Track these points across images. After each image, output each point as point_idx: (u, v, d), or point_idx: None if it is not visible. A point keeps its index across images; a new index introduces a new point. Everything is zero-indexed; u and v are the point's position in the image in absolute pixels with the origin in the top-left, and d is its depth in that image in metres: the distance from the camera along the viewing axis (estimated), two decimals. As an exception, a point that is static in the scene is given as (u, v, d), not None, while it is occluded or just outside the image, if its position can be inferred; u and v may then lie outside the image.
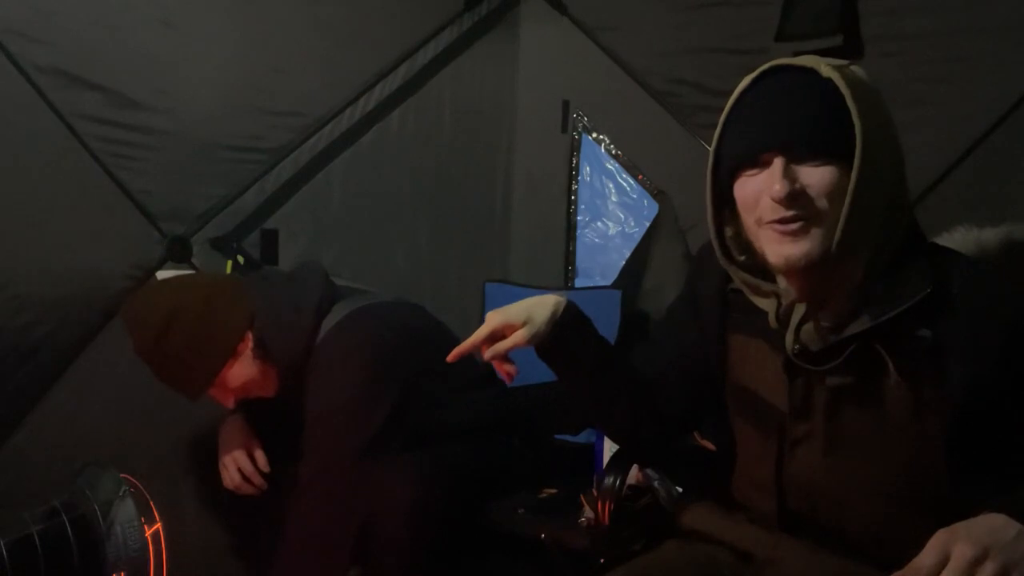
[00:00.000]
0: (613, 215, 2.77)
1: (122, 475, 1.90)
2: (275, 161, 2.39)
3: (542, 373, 2.44)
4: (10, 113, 2.01)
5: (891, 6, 2.10)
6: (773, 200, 1.15)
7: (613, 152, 2.74)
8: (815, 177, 1.14)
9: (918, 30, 2.06)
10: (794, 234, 1.15)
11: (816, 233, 1.14)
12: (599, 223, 2.80)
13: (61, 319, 2.12)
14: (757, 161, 1.17)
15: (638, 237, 2.65)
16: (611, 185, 2.76)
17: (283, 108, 2.39)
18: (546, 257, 2.87)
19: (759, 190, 1.17)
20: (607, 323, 2.36)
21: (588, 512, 1.82)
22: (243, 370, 1.84)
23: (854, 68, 1.19)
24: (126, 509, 1.84)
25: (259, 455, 1.96)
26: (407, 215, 2.72)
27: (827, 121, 1.14)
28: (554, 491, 1.98)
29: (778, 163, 1.15)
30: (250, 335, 1.83)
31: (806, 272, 1.17)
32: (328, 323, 1.88)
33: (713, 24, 2.39)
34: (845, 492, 1.22)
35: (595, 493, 1.78)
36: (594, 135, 2.77)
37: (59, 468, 2.05)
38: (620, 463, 1.63)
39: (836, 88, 1.14)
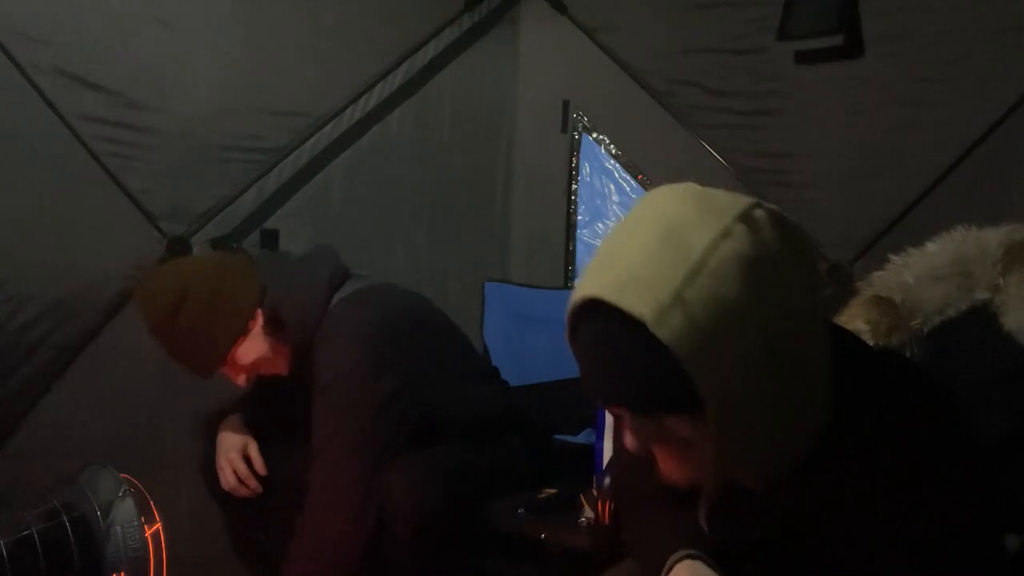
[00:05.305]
0: (613, 215, 2.77)
1: (122, 475, 1.89)
2: (275, 161, 2.39)
3: (542, 373, 2.46)
4: (10, 113, 2.01)
5: (891, 6, 2.10)
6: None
7: (613, 152, 2.74)
8: (668, 428, 0.98)
9: (918, 30, 2.06)
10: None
11: (696, 469, 1.03)
12: (599, 223, 2.80)
13: (61, 319, 2.12)
14: None
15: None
16: (611, 185, 2.76)
17: (283, 108, 2.39)
18: (546, 257, 2.86)
19: (619, 415, 1.04)
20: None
21: (588, 512, 1.82)
22: (254, 347, 1.85)
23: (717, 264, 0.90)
24: (126, 509, 1.84)
25: (255, 457, 1.95)
26: (407, 215, 2.72)
27: (660, 379, 0.92)
28: (554, 491, 1.98)
29: (624, 415, 1.01)
30: (260, 312, 1.84)
31: None
32: (339, 297, 1.90)
33: (713, 24, 2.39)
34: None
35: (595, 493, 1.79)
36: (594, 135, 2.76)
37: (59, 468, 2.05)
38: (613, 462, 1.63)
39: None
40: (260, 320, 1.84)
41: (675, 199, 0.95)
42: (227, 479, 1.94)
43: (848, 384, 1.02)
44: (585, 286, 0.95)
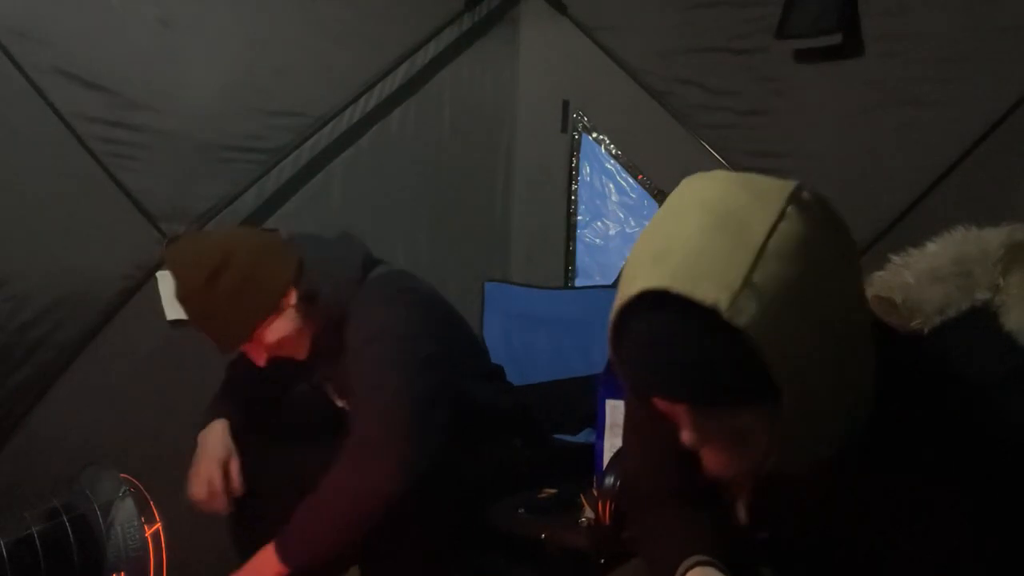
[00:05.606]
0: (613, 215, 2.77)
1: (122, 475, 1.89)
2: (275, 161, 2.39)
3: (542, 373, 2.46)
4: (10, 113, 2.01)
5: (891, 6, 2.10)
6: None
7: (613, 152, 2.74)
8: (730, 421, 0.97)
9: (918, 30, 2.06)
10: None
11: (748, 460, 1.01)
12: (599, 223, 2.80)
13: (61, 319, 2.12)
14: None
15: (638, 237, 2.65)
16: (611, 185, 2.76)
17: (283, 108, 2.39)
18: (546, 257, 2.86)
19: (672, 412, 1.00)
20: (607, 323, 2.36)
21: (588, 512, 1.82)
22: (283, 326, 1.81)
23: (776, 246, 0.88)
24: (126, 509, 1.83)
25: (235, 473, 1.89)
26: (407, 215, 2.72)
27: (732, 369, 0.91)
28: (554, 491, 1.98)
29: (683, 412, 0.98)
30: (293, 291, 1.81)
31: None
32: (372, 276, 1.90)
33: (713, 24, 2.39)
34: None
35: (595, 493, 1.79)
36: (594, 135, 2.76)
37: (59, 468, 2.05)
38: (620, 463, 1.63)
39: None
40: (293, 298, 1.81)
41: (719, 186, 0.95)
42: (199, 490, 1.88)
43: (891, 369, 1.02)
44: (640, 279, 0.92)
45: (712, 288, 0.87)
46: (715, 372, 0.91)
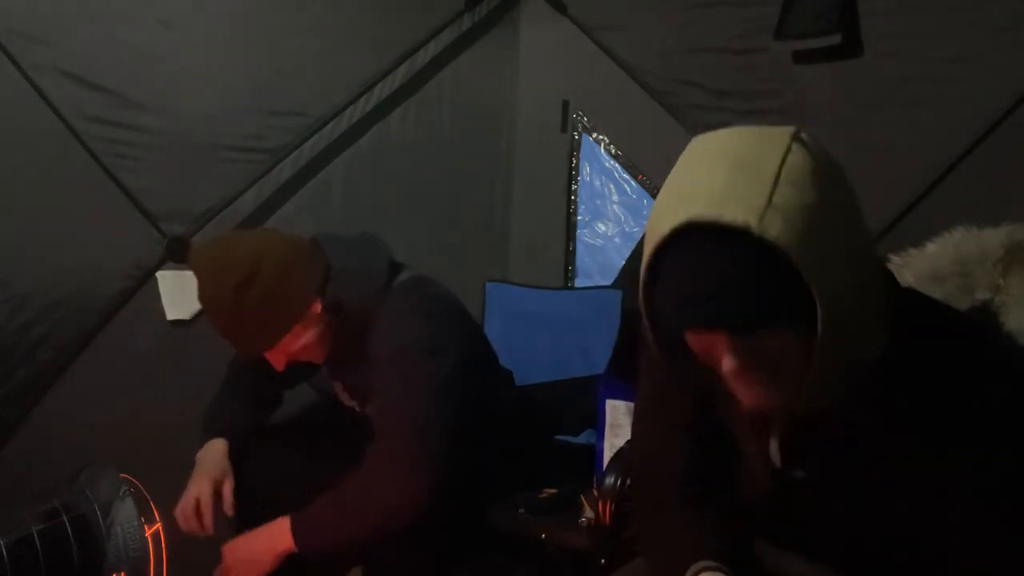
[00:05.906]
0: (613, 215, 2.77)
1: (122, 475, 1.89)
2: (275, 161, 2.39)
3: (542, 373, 2.45)
4: (10, 113, 2.01)
5: (891, 5, 2.10)
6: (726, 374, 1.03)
7: (613, 152, 2.74)
8: (768, 344, 1.00)
9: (918, 30, 2.06)
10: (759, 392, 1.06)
11: (784, 386, 1.04)
12: (599, 223, 2.80)
13: (61, 319, 2.12)
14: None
15: (638, 237, 2.65)
16: (611, 185, 2.76)
17: (283, 108, 2.39)
18: (546, 257, 2.86)
19: (709, 347, 1.03)
20: (607, 323, 2.37)
21: (588, 512, 1.82)
22: (306, 334, 1.80)
23: (793, 162, 0.97)
24: (126, 509, 1.83)
25: (228, 494, 1.89)
26: (407, 215, 2.72)
27: (767, 288, 0.96)
28: (554, 491, 1.98)
29: (722, 340, 1.01)
30: (319, 301, 1.79)
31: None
32: (398, 281, 1.89)
33: (713, 24, 2.39)
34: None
35: (595, 493, 1.79)
36: (594, 135, 2.76)
37: (59, 468, 2.05)
38: (620, 463, 1.63)
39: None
40: (319, 307, 1.79)
41: (726, 135, 1.02)
42: (185, 506, 1.87)
43: (902, 305, 1.07)
44: (668, 220, 0.97)
45: (740, 211, 0.93)
46: (752, 290, 0.96)
